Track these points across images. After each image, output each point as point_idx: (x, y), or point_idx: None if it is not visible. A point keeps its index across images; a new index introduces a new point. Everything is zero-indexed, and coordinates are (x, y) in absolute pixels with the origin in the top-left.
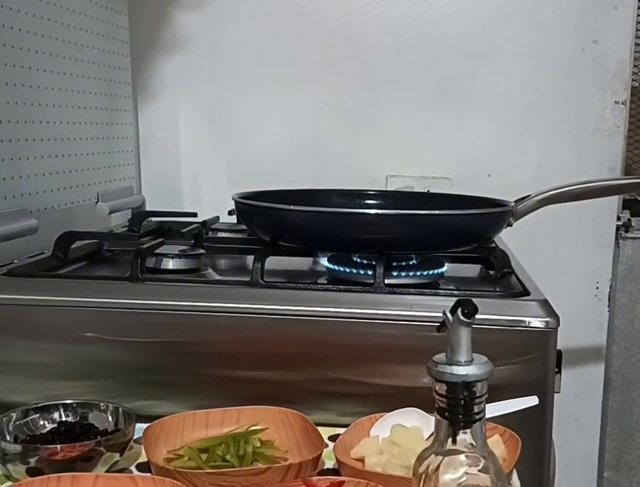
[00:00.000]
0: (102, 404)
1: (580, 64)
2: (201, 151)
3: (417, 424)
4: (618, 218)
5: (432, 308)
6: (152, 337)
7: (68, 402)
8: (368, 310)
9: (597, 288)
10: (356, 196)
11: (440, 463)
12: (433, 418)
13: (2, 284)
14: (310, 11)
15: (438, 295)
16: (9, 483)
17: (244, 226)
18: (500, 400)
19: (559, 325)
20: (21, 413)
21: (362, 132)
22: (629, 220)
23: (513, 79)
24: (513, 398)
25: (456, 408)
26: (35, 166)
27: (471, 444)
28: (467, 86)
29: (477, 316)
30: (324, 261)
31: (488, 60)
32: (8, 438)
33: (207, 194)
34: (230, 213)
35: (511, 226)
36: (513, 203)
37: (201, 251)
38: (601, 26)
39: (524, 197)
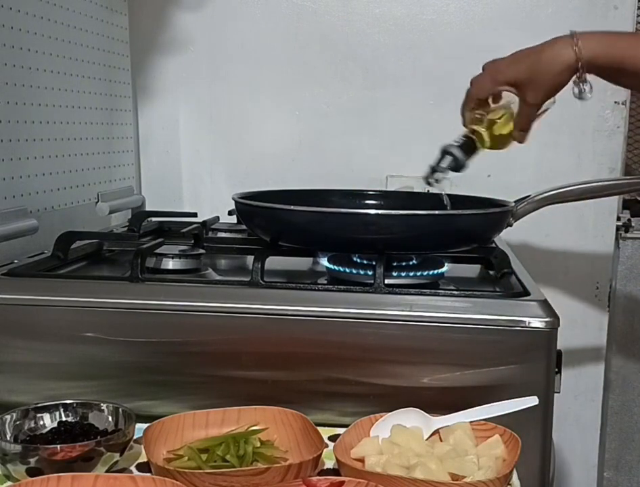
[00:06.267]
0: (102, 404)
1: None
2: (201, 151)
3: (417, 424)
4: (618, 218)
5: (432, 308)
6: (152, 337)
7: (68, 402)
8: (368, 310)
9: (597, 288)
10: (356, 196)
11: None
12: (433, 418)
13: (2, 284)
14: (310, 12)
15: (438, 295)
16: (9, 483)
17: (244, 226)
18: (500, 400)
19: (559, 325)
20: (21, 413)
21: (362, 132)
22: (629, 220)
23: None
24: (513, 398)
25: None
26: (35, 166)
27: None
28: (467, 86)
29: (477, 316)
30: (324, 261)
31: (487, 60)
32: (8, 438)
33: (207, 194)
34: (230, 213)
35: (511, 226)
36: (513, 203)
37: (201, 251)
38: (601, 26)
39: (524, 197)
